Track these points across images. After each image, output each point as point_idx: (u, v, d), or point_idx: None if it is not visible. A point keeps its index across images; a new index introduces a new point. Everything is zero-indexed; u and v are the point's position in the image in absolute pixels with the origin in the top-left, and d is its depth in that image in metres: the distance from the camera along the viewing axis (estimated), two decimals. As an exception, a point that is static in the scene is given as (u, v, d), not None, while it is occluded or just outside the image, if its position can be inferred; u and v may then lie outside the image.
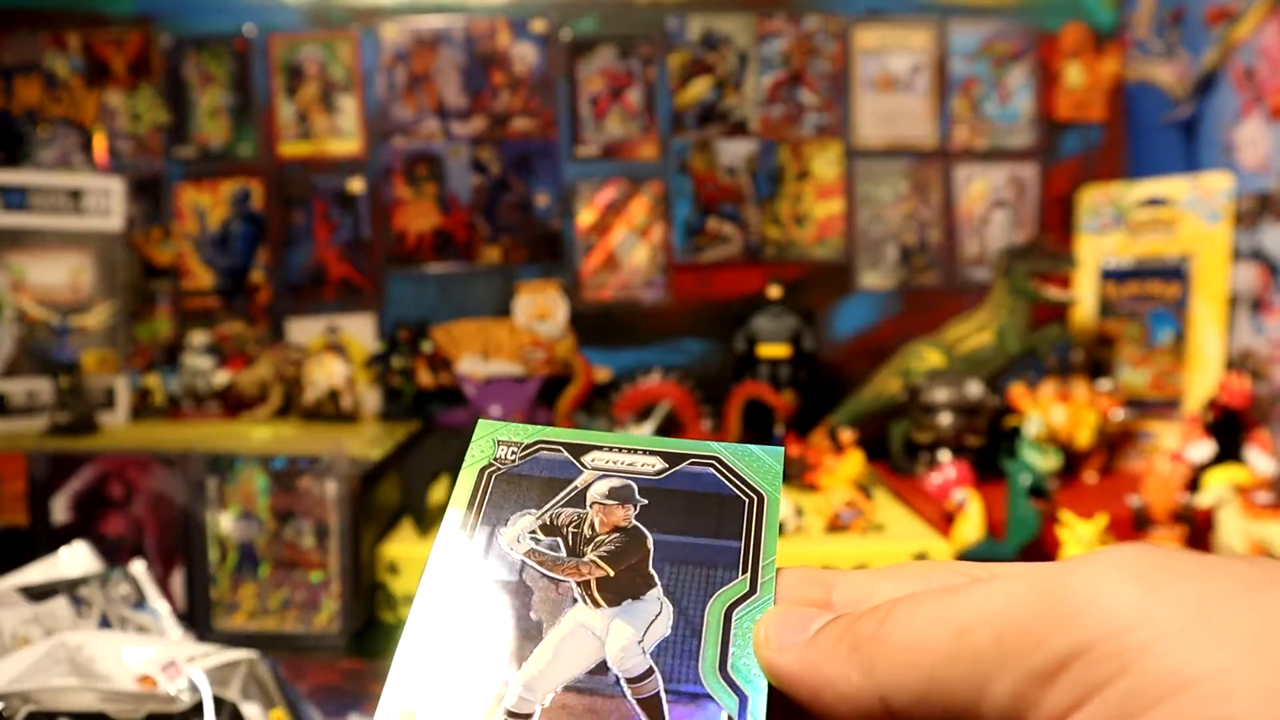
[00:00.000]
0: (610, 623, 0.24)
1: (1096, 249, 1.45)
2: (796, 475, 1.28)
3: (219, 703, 0.48)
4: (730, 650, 0.24)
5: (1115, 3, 1.52)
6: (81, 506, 1.13)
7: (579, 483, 0.27)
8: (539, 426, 0.29)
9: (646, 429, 1.33)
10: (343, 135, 1.51)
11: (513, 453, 0.28)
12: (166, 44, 1.50)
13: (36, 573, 0.58)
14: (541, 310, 1.49)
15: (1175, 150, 1.43)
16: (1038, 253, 1.35)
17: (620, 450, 0.28)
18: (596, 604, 0.25)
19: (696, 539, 0.26)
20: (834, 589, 0.24)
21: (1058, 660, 0.18)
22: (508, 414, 1.33)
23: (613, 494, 0.27)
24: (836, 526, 1.12)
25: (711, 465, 0.28)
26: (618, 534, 0.26)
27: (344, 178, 1.51)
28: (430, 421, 1.43)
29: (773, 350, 1.41)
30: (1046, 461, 1.21)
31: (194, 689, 0.48)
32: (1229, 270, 1.30)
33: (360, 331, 1.51)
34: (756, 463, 0.28)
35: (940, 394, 1.26)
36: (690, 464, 0.28)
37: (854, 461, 1.23)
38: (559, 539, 0.26)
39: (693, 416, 1.39)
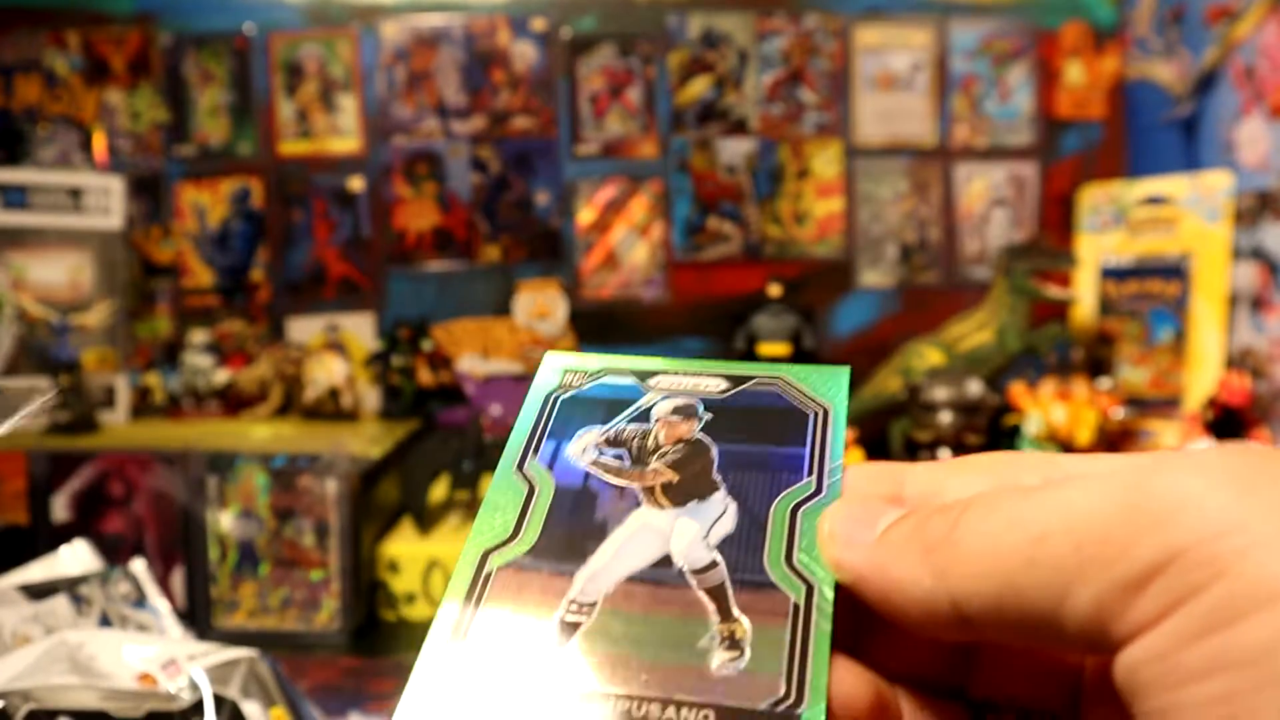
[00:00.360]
0: (675, 521, 0.24)
1: (1096, 247, 1.45)
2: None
3: (219, 701, 0.48)
4: (796, 544, 0.23)
5: (1115, 1, 1.52)
6: (82, 505, 1.13)
7: (643, 402, 0.28)
8: (606, 356, 0.30)
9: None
10: (342, 134, 1.51)
11: (579, 379, 0.29)
12: (166, 42, 1.50)
13: (37, 571, 0.58)
14: (541, 309, 1.49)
15: (1175, 149, 1.43)
16: (1038, 251, 1.35)
17: (685, 374, 0.28)
18: (661, 506, 0.25)
19: (761, 446, 0.26)
20: (904, 484, 0.24)
21: (1144, 569, 0.17)
22: (508, 413, 1.33)
23: (677, 410, 0.27)
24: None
25: (776, 384, 0.28)
26: (682, 445, 0.26)
27: (344, 176, 1.51)
28: (430, 420, 1.43)
29: (773, 349, 1.41)
30: (1046, 460, 1.20)
31: (194, 687, 0.48)
32: (1229, 269, 1.30)
33: (360, 330, 1.51)
34: (821, 380, 0.28)
35: (940, 392, 1.26)
36: (756, 383, 0.28)
37: (854, 460, 1.23)
38: (625, 450, 0.26)
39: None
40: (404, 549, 1.12)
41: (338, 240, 1.51)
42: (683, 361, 0.29)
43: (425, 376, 1.46)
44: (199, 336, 1.47)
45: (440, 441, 1.23)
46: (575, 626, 0.22)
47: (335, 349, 1.46)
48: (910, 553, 0.20)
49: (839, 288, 1.53)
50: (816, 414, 0.27)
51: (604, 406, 0.28)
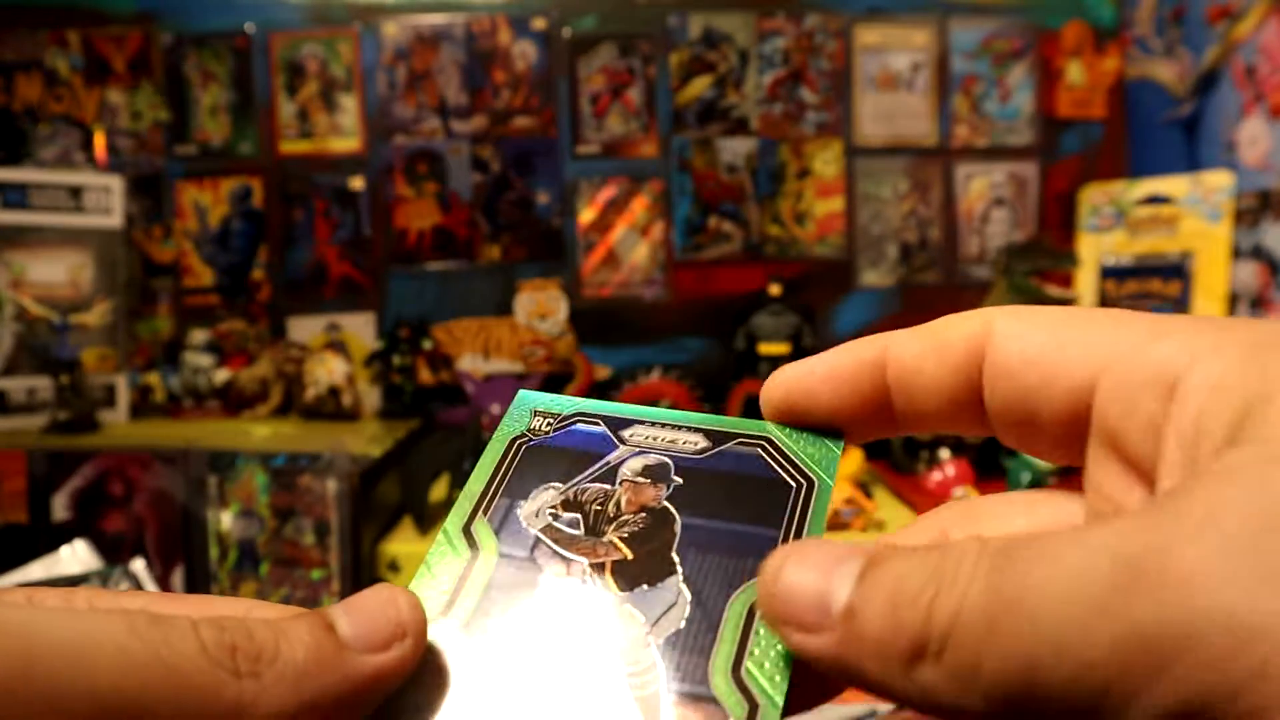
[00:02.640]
0: (619, 609, 0.22)
1: (1097, 247, 1.45)
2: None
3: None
4: (747, 651, 0.21)
5: (1116, 1, 1.52)
6: (82, 504, 1.13)
7: (612, 458, 0.25)
8: (580, 399, 0.27)
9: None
10: (343, 133, 1.51)
11: (548, 424, 0.27)
12: (167, 42, 1.50)
13: (37, 570, 0.58)
14: (542, 308, 1.49)
15: (1176, 148, 1.43)
16: (1038, 251, 1.35)
17: (663, 426, 0.26)
18: (608, 588, 0.23)
19: (731, 524, 0.23)
20: (886, 367, 0.23)
21: (1166, 713, 0.14)
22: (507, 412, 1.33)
23: (645, 471, 0.25)
24: (837, 524, 1.12)
25: (760, 445, 0.25)
26: (644, 514, 0.24)
27: (344, 176, 1.51)
28: (431, 419, 1.43)
29: (773, 348, 1.41)
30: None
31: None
32: (1229, 268, 1.30)
33: (361, 329, 1.51)
34: (812, 446, 0.25)
35: (940, 392, 1.26)
36: (738, 443, 0.25)
37: (854, 459, 1.23)
38: (580, 515, 0.24)
39: (693, 414, 1.39)
40: (404, 548, 1.12)
41: (338, 240, 1.51)
42: (665, 412, 0.26)
43: (425, 376, 1.46)
44: (199, 336, 1.47)
45: (440, 441, 1.23)
46: None
47: (336, 348, 1.46)
48: (888, 660, 0.17)
49: (839, 287, 1.53)
50: (799, 487, 0.24)
51: (569, 459, 0.25)
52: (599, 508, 0.24)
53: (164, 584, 1.08)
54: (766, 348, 1.42)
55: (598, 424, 0.26)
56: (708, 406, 1.42)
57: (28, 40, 1.49)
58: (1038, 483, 1.06)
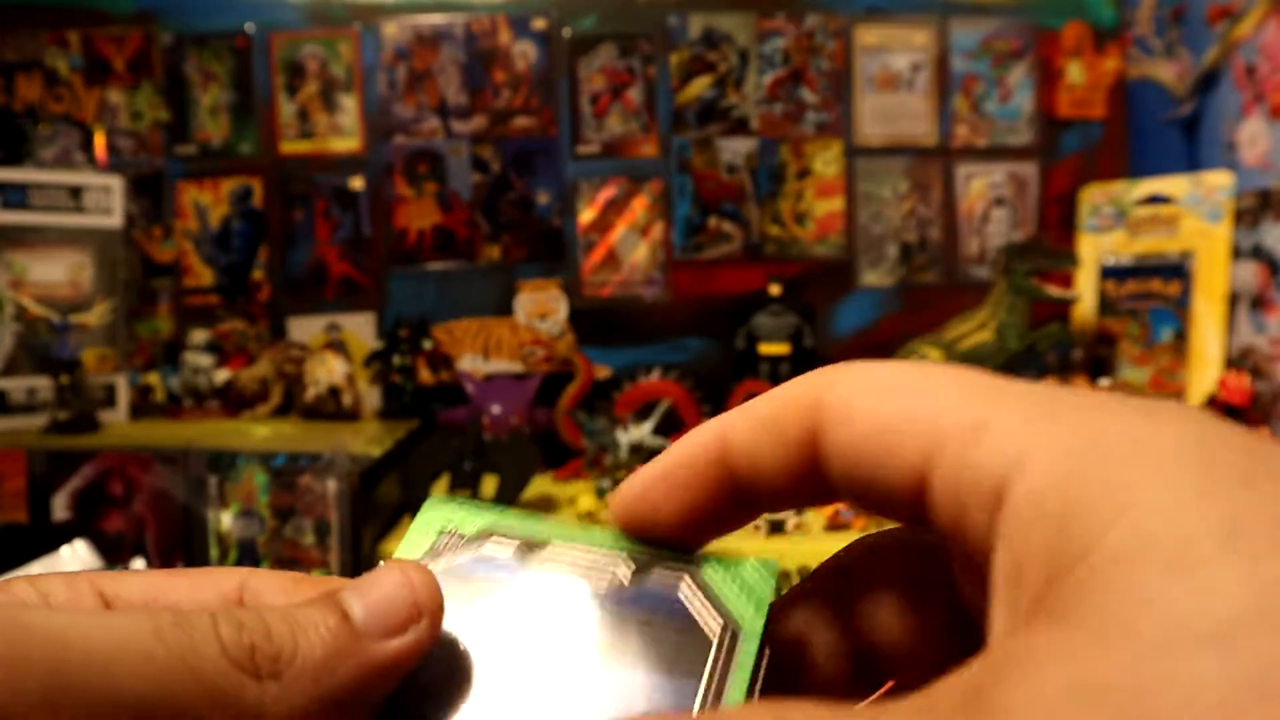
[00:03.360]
0: None
1: (1097, 247, 1.45)
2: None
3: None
4: None
5: (1116, 1, 1.52)
6: (82, 504, 1.13)
7: (515, 593, 0.22)
8: (500, 513, 0.23)
9: (646, 427, 1.33)
10: (343, 133, 1.51)
11: (453, 545, 0.23)
12: (167, 41, 1.50)
13: (37, 570, 0.58)
14: (542, 308, 1.49)
15: (1176, 148, 1.43)
16: (1038, 251, 1.35)
17: (583, 549, 0.22)
18: None
19: (645, 676, 0.20)
20: (728, 458, 0.20)
21: None
22: (508, 412, 1.33)
23: (549, 613, 0.21)
24: (837, 524, 1.12)
25: (682, 579, 0.21)
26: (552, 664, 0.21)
27: (345, 176, 1.51)
28: (431, 419, 1.43)
29: (773, 348, 1.41)
30: (1047, 460, 1.20)
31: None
32: (1229, 268, 1.30)
33: (361, 329, 1.51)
34: (740, 580, 0.21)
35: (940, 392, 1.26)
36: (661, 573, 0.21)
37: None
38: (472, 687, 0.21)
39: (693, 414, 1.39)
40: (404, 548, 1.12)
41: (338, 240, 1.51)
42: (586, 530, 0.22)
43: (426, 376, 1.46)
44: (199, 336, 1.47)
45: (440, 441, 1.23)
46: None
47: (336, 348, 1.46)
48: None
49: (839, 287, 1.53)
50: (721, 638, 0.20)
51: (469, 591, 0.22)
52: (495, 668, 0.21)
53: (164, 584, 1.08)
54: (766, 348, 1.42)
55: (508, 545, 0.22)
56: (708, 407, 1.42)
57: (28, 40, 1.49)
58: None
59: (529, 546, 0.22)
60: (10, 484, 1.12)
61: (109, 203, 1.37)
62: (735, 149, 1.52)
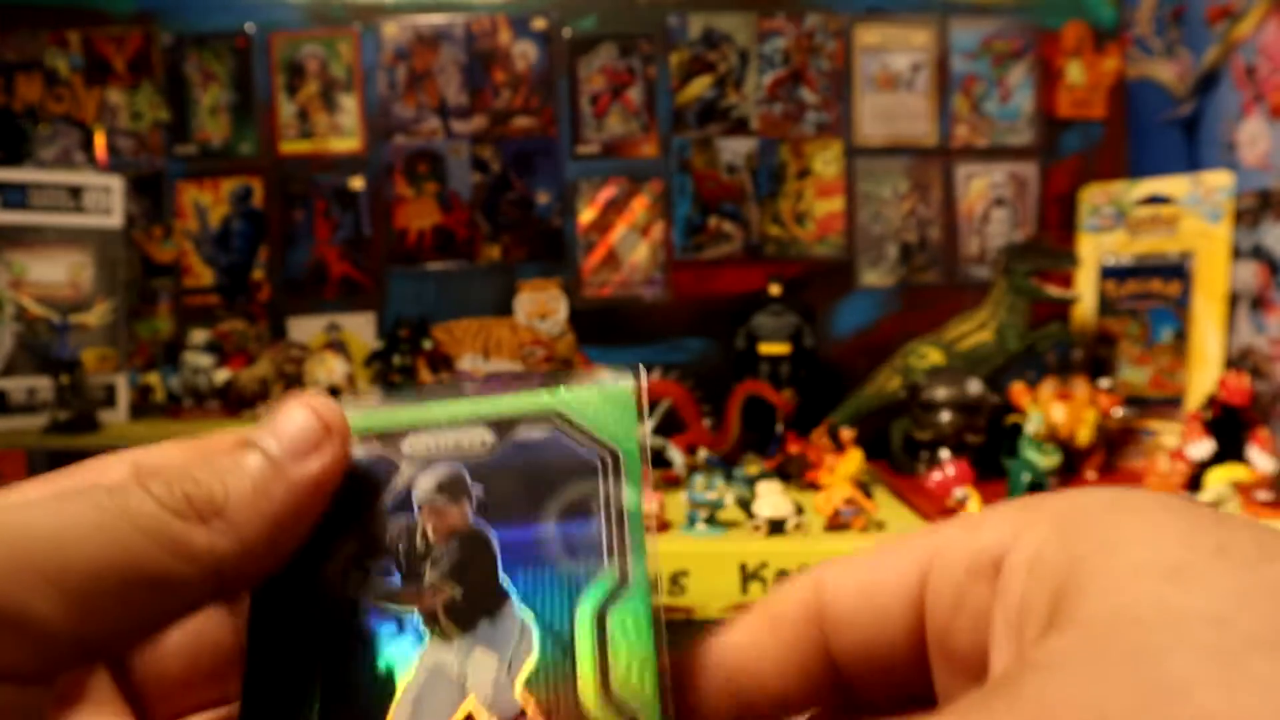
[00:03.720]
0: (469, 656, 0.20)
1: (1097, 247, 1.45)
2: (797, 474, 1.28)
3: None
4: (609, 664, 0.19)
5: (1116, 1, 1.52)
6: (82, 504, 1.13)
7: (399, 482, 0.22)
8: (353, 409, 0.23)
9: (647, 427, 1.33)
10: (343, 133, 1.51)
11: None
12: (167, 42, 1.50)
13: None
14: (542, 308, 1.49)
15: (1176, 148, 1.43)
16: (1038, 251, 1.35)
17: (441, 428, 0.22)
18: (448, 636, 0.20)
19: (546, 526, 0.21)
20: (824, 589, 0.21)
21: None
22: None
23: (440, 489, 0.22)
24: (837, 524, 1.12)
25: (550, 423, 0.22)
26: (456, 541, 0.21)
27: (345, 176, 1.51)
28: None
29: (773, 348, 1.41)
30: (1047, 460, 1.20)
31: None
32: (1230, 268, 1.30)
33: (361, 329, 1.51)
34: (604, 406, 0.22)
35: (940, 392, 1.26)
36: (525, 427, 0.22)
37: (854, 459, 1.23)
38: (391, 561, 0.21)
39: (693, 414, 1.39)
40: (404, 548, 1.12)
41: (339, 240, 1.51)
42: (437, 409, 0.23)
43: (426, 376, 1.46)
44: (199, 336, 1.47)
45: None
46: None
47: (336, 348, 1.46)
48: None
49: (839, 287, 1.53)
50: (604, 462, 0.21)
51: (354, 494, 0.22)
52: (408, 546, 0.21)
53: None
54: (767, 348, 1.42)
55: (372, 441, 0.22)
56: (708, 407, 1.42)
57: (28, 40, 1.49)
58: (1039, 484, 1.06)
59: (390, 437, 0.22)
60: (10, 484, 1.12)
61: (109, 203, 1.37)
62: (735, 149, 1.52)
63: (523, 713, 0.20)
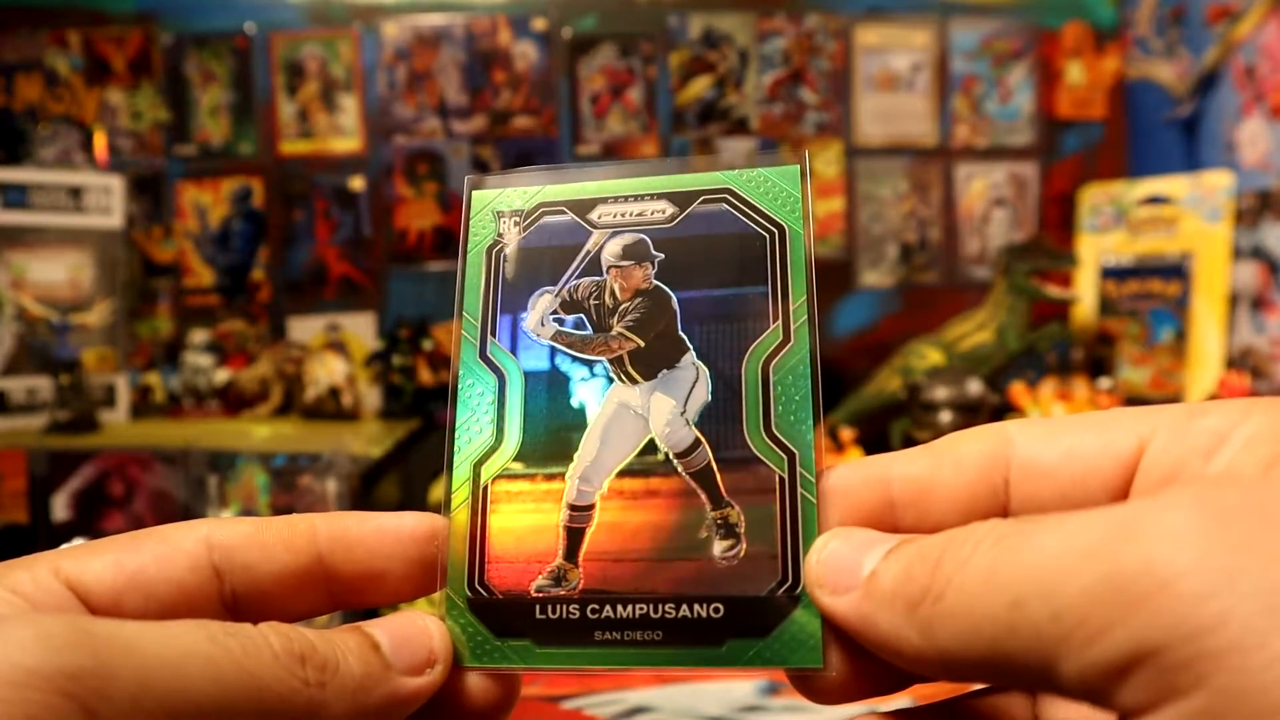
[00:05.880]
0: (650, 397, 0.24)
1: (1097, 247, 1.45)
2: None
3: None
4: (772, 407, 0.23)
5: (1116, 1, 1.52)
6: (82, 504, 1.13)
7: (590, 246, 0.25)
8: (537, 188, 0.26)
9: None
10: (343, 133, 1.51)
11: (515, 224, 0.26)
12: (167, 42, 1.50)
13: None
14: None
15: (1176, 148, 1.43)
16: (1038, 251, 1.35)
17: (627, 199, 0.26)
18: (633, 379, 0.24)
19: (721, 290, 0.24)
20: (891, 481, 0.23)
21: (1122, 658, 0.16)
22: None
23: (627, 253, 0.25)
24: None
25: (724, 201, 0.25)
26: (640, 298, 0.25)
27: (345, 176, 1.51)
28: (430, 419, 1.43)
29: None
30: (1047, 460, 1.20)
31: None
32: (1229, 268, 1.30)
33: (361, 329, 1.51)
34: (772, 187, 0.26)
35: (940, 392, 1.26)
36: (702, 203, 0.25)
37: (855, 457, 1.23)
38: (583, 315, 0.25)
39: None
40: (404, 548, 1.12)
41: (339, 240, 1.51)
42: (620, 181, 0.26)
43: (426, 376, 1.46)
44: (199, 336, 1.47)
45: (440, 441, 1.23)
46: (580, 533, 0.22)
47: (336, 348, 1.46)
48: (895, 608, 0.20)
49: (839, 287, 1.53)
50: (771, 236, 0.25)
51: (549, 257, 0.25)
52: (597, 302, 0.25)
53: (164, 584, 1.08)
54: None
55: (564, 212, 0.26)
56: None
57: (28, 40, 1.49)
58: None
59: (581, 208, 0.26)
60: (10, 484, 1.12)
61: (109, 203, 1.37)
62: (735, 149, 1.52)
63: (697, 444, 0.23)
